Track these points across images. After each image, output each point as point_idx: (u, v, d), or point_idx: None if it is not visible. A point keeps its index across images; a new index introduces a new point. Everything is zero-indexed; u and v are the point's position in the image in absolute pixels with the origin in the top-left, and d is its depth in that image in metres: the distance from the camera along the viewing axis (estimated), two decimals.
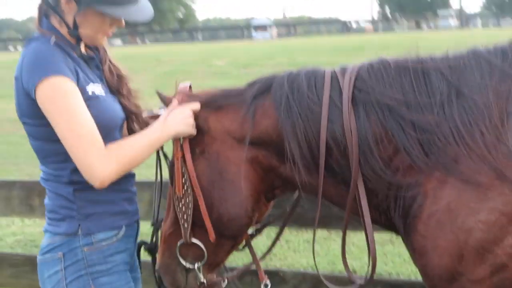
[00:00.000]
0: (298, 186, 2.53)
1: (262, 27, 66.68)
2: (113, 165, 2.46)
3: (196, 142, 2.58)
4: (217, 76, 20.96)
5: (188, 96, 2.63)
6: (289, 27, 53.30)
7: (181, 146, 2.59)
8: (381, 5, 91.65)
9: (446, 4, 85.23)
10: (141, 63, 22.53)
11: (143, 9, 2.64)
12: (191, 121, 2.56)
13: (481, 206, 2.21)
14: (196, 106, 2.58)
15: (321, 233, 6.32)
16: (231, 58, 24.81)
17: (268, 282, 2.81)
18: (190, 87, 2.71)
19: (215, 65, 23.23)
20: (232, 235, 2.65)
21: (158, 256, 2.77)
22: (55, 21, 2.62)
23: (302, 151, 2.45)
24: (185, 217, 2.60)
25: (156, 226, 2.85)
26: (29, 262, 4.15)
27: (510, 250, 2.18)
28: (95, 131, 2.47)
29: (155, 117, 2.69)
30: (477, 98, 2.29)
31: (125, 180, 2.67)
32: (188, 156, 2.57)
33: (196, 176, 2.55)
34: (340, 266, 5.94)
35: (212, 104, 2.58)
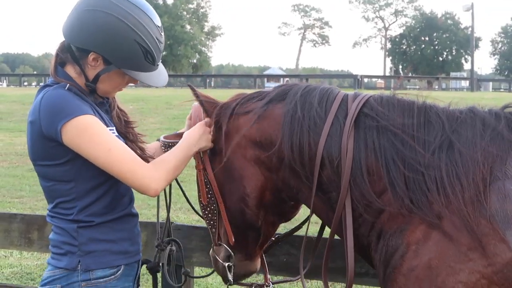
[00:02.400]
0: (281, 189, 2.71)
1: (275, 77, 67.10)
2: (162, 172, 2.68)
3: (216, 140, 2.79)
4: None
5: (211, 103, 2.86)
6: (302, 78, 53.54)
7: (202, 160, 2.82)
8: (394, 62, 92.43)
9: (459, 67, 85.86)
10: (152, 105, 22.68)
11: (161, 75, 2.88)
12: (209, 136, 2.83)
13: (462, 267, 2.23)
14: (210, 122, 2.85)
15: (316, 284, 6.33)
16: None
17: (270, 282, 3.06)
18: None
19: None
20: (246, 227, 2.81)
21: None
22: (71, 70, 2.77)
23: (293, 155, 2.58)
24: (212, 223, 2.86)
25: (161, 247, 3.08)
26: None
27: None
28: (131, 151, 2.71)
29: (179, 135, 2.95)
30: (465, 153, 2.37)
31: (128, 220, 2.83)
32: (209, 168, 2.80)
33: (216, 178, 2.77)
34: None
35: (233, 107, 2.77)
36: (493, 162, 2.34)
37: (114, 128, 2.84)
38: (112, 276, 2.77)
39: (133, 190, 2.82)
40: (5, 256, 7.73)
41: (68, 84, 2.70)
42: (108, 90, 2.83)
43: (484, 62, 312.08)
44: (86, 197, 2.72)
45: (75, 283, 2.72)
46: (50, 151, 2.66)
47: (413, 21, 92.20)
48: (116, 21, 2.65)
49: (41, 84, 2.92)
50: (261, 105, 2.71)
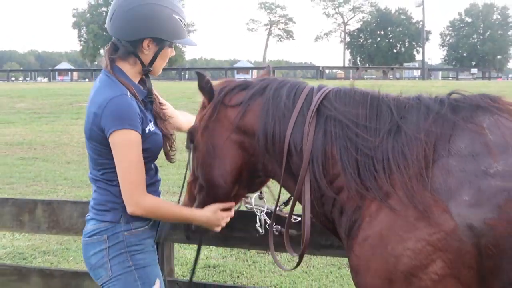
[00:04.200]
0: (260, 169, 2.83)
1: (244, 70, 67.02)
2: (148, 208, 2.97)
3: (210, 116, 2.87)
4: None
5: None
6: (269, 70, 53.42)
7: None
8: (352, 54, 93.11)
9: (411, 58, 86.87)
10: None
11: (192, 40, 3.25)
12: (219, 223, 3.06)
13: (410, 235, 2.29)
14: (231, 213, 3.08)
15: (285, 256, 6.37)
16: None
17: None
18: None
19: (199, 101, 23.26)
20: (215, 200, 2.96)
21: None
22: (124, 65, 3.10)
23: (267, 144, 2.73)
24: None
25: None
26: (17, 272, 4.16)
27: (434, 276, 2.25)
28: (143, 177, 2.99)
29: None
30: (410, 134, 2.44)
31: (155, 184, 3.21)
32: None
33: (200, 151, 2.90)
34: (300, 285, 6.00)
35: (225, 92, 2.88)
36: (436, 141, 2.39)
37: (153, 120, 3.13)
38: (147, 226, 3.13)
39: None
40: None
41: (128, 91, 3.00)
42: (162, 65, 3.18)
43: (434, 53, 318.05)
44: None
45: (119, 233, 3.05)
46: (101, 139, 2.98)
47: (370, 17, 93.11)
48: (154, 6, 3.01)
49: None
50: (245, 99, 2.81)
